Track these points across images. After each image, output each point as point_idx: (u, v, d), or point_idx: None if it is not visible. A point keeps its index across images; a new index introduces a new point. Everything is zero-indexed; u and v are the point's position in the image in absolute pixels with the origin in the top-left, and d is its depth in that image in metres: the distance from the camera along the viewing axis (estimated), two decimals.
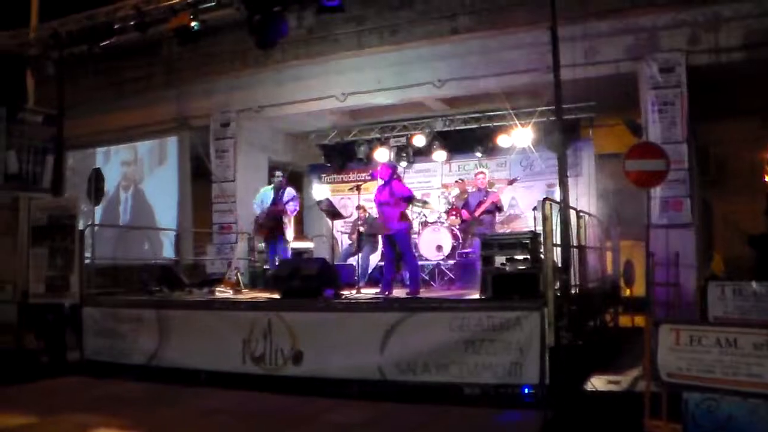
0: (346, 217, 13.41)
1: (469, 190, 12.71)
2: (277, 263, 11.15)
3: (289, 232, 11.67)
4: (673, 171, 9.20)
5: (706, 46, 10.89)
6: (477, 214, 11.43)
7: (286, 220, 11.55)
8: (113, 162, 16.59)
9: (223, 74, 14.57)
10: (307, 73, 13.76)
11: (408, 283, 10.62)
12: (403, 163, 15.22)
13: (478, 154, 14.78)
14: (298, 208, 11.89)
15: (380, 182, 10.32)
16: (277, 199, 11.64)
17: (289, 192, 11.76)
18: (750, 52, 10.62)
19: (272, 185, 12.14)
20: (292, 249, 12.11)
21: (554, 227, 7.85)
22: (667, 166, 8.68)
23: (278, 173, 12.13)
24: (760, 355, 4.86)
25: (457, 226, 12.68)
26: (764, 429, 4.84)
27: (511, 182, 12.46)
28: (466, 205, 11.86)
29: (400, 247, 10.00)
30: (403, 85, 13.16)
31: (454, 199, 13.48)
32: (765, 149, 13.52)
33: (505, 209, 12.28)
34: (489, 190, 11.78)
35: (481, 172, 12.14)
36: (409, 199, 10.14)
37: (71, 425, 6.90)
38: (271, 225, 11.57)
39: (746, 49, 10.64)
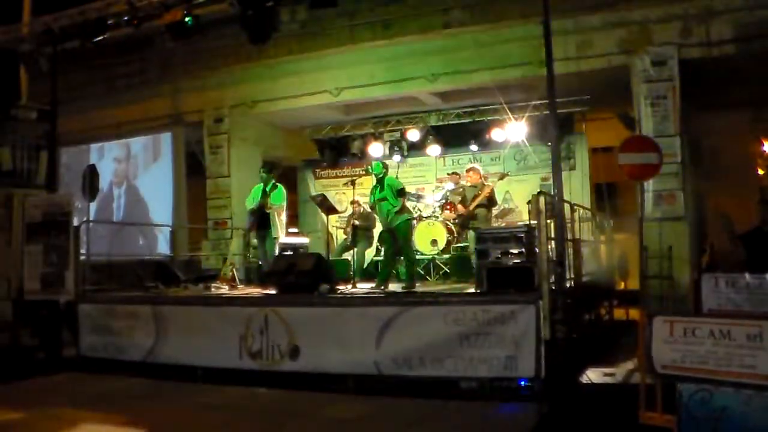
0: (341, 212, 13.39)
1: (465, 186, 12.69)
2: (267, 259, 11.13)
3: (278, 228, 11.40)
4: (666, 164, 9.21)
5: (697, 40, 10.93)
6: (471, 207, 11.43)
7: (270, 213, 11.31)
8: (107, 158, 16.55)
9: (216, 70, 14.52)
10: (300, 67, 13.73)
11: (403, 277, 10.63)
12: (397, 158, 15.18)
13: (473, 148, 14.73)
14: (283, 203, 11.61)
15: (374, 181, 10.36)
16: (263, 194, 11.49)
17: (275, 186, 11.49)
18: (741, 45, 10.66)
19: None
20: (288, 244, 11.90)
21: (548, 221, 7.89)
22: (660, 160, 8.69)
23: (261, 168, 12.06)
24: (753, 347, 4.90)
25: (452, 221, 12.70)
26: (758, 419, 4.87)
27: (502, 177, 12.46)
28: (463, 200, 11.84)
29: (401, 240, 10.03)
30: (396, 80, 13.17)
31: (449, 194, 13.49)
32: (757, 142, 13.60)
33: (498, 203, 12.28)
34: (485, 183, 11.75)
35: (472, 168, 12.02)
36: (401, 192, 10.15)
37: (67, 422, 6.90)
38: (255, 220, 11.49)
39: (738, 41, 10.67)
